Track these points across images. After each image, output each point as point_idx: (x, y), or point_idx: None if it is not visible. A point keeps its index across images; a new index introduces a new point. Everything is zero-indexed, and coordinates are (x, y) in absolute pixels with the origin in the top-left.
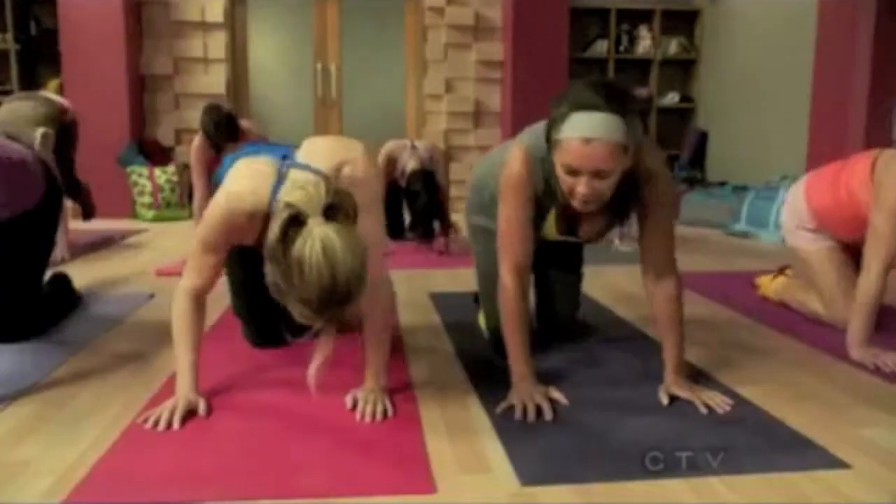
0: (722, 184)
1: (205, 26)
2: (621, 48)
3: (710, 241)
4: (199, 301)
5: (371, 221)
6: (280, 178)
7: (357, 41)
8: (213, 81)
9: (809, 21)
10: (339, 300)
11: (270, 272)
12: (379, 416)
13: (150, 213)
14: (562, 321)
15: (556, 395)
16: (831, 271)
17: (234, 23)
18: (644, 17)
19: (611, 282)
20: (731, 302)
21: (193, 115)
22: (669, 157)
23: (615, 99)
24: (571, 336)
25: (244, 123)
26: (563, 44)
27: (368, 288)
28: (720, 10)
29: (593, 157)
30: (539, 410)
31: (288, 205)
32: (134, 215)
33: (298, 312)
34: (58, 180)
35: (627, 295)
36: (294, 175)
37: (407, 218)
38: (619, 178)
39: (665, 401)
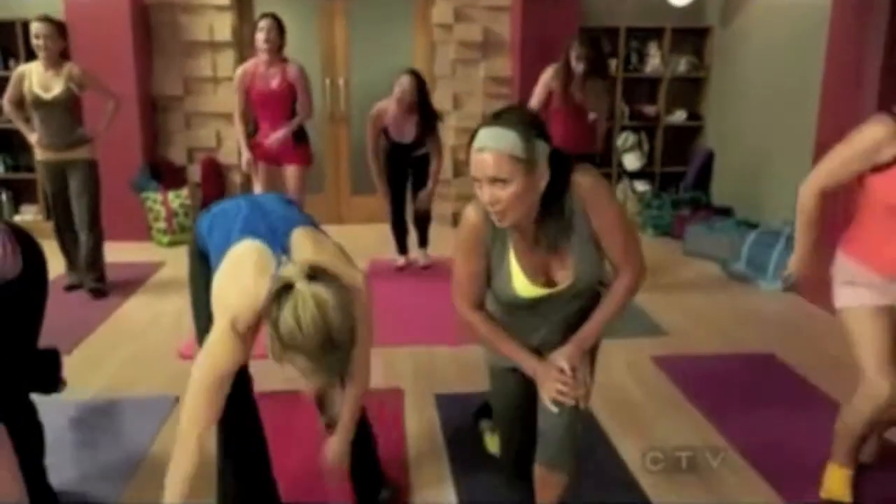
0: (726, 211)
1: (213, 45)
2: (630, 66)
3: (705, 282)
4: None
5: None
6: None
7: (365, 56)
8: (223, 100)
9: (820, 42)
10: (338, 346)
11: (271, 342)
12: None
13: (166, 239)
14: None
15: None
16: (869, 337)
17: (242, 41)
18: (654, 34)
19: (621, 390)
20: (702, 401)
21: (205, 134)
22: (674, 175)
23: (517, 118)
24: None
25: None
26: None
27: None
28: (731, 29)
29: (485, 164)
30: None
31: (275, 279)
32: (150, 238)
33: (302, 368)
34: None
35: (640, 420)
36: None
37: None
38: (533, 194)
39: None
